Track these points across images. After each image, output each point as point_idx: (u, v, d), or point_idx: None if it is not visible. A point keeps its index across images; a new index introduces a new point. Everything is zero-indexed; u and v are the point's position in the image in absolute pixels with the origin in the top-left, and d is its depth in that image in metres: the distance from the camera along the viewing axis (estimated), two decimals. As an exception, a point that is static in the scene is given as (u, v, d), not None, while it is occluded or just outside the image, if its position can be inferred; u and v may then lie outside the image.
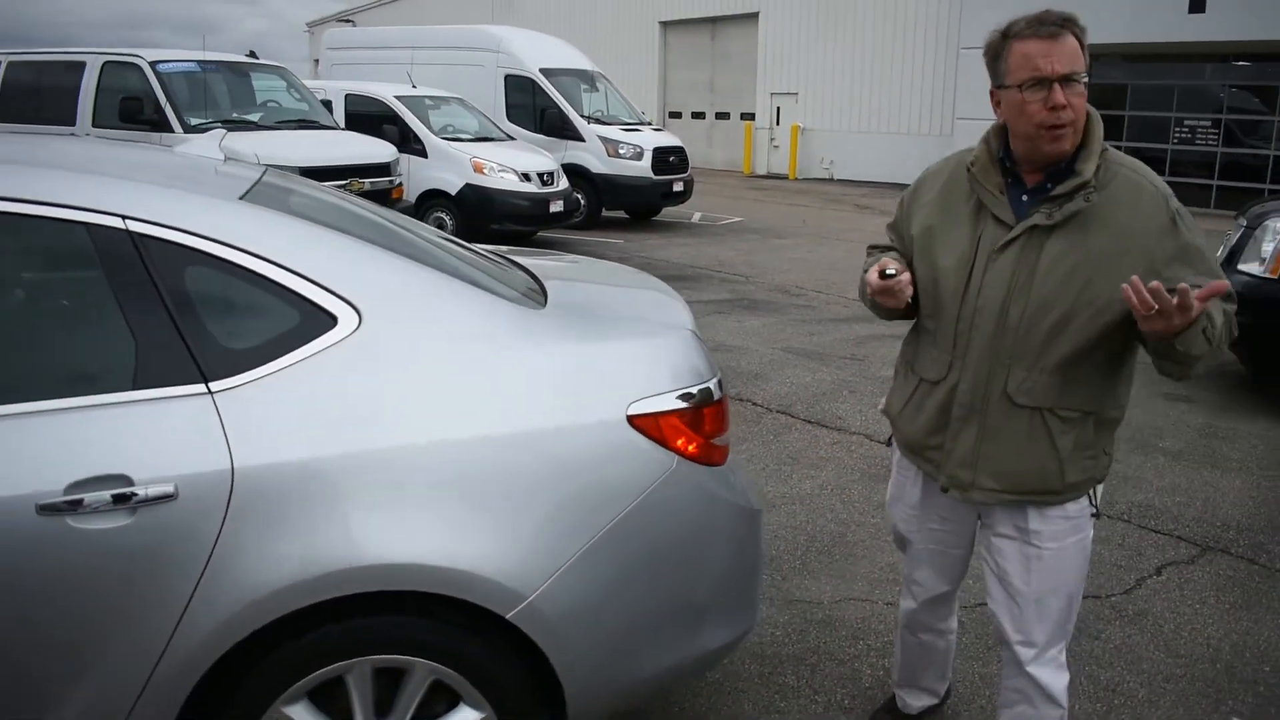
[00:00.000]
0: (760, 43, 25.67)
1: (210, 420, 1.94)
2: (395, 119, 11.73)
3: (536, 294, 2.48)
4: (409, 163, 11.40)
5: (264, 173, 2.59)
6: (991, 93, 2.10)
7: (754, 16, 25.62)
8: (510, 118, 14.39)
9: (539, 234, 12.80)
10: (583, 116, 14.21)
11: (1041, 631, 2.34)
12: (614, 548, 2.13)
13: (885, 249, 2.40)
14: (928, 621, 2.69)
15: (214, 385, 1.97)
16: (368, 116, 11.76)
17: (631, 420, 2.14)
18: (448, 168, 11.49)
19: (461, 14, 26.77)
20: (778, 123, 25.64)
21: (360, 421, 2.00)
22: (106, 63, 9.15)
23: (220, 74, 9.67)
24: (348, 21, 32.25)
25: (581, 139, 14.01)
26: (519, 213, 11.54)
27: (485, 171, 11.44)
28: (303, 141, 9.15)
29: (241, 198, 2.19)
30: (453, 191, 11.42)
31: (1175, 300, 1.81)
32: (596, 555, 2.11)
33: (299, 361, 2.01)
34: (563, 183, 12.42)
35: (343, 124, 11.47)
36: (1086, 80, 2.00)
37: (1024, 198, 2.13)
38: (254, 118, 9.47)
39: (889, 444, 2.58)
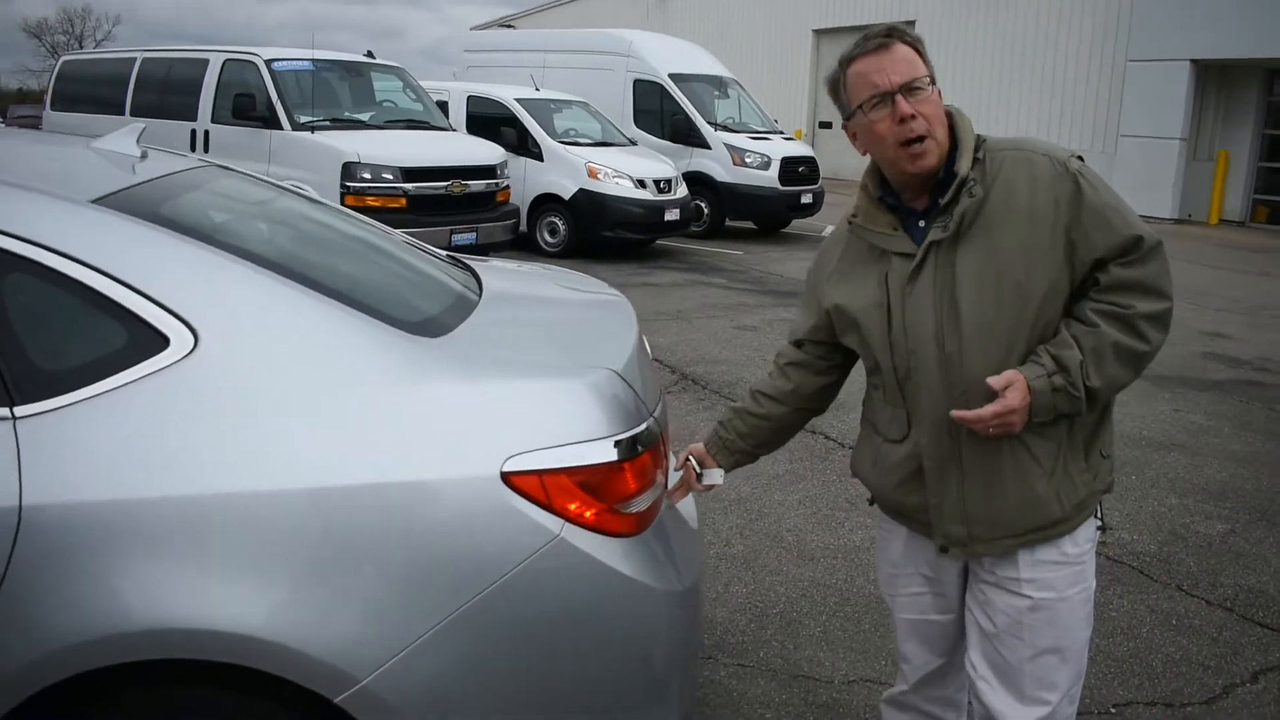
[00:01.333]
0: (915, 52, 24.67)
1: (5, 448, 1.69)
2: (514, 121, 11.67)
3: (450, 318, 2.15)
4: (525, 166, 11.32)
5: (173, 172, 2.36)
6: (845, 128, 1.94)
7: (910, 26, 24.66)
8: (637, 123, 14.16)
9: (656, 242, 12.51)
10: (711, 123, 13.84)
11: (1035, 709, 1.95)
12: (478, 628, 1.78)
13: (801, 341, 2.15)
14: (917, 704, 2.25)
15: (19, 410, 1.73)
16: (488, 119, 11.75)
17: (507, 478, 1.79)
18: (562, 172, 11.34)
19: (618, 19, 26.83)
20: (930, 136, 24.56)
21: (177, 462, 1.72)
22: (227, 60, 9.38)
23: (336, 73, 9.79)
24: (509, 26, 32.85)
25: (707, 146, 13.65)
26: (631, 219, 11.29)
27: (599, 177, 11.23)
28: (407, 142, 9.15)
29: (97, 200, 1.94)
30: (566, 196, 11.27)
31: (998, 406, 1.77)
32: (455, 635, 1.76)
33: (120, 387, 1.75)
34: (681, 190, 12.09)
35: (464, 126, 11.49)
36: (931, 83, 1.83)
37: (920, 224, 1.91)
38: (364, 117, 9.54)
39: (871, 504, 2.21)
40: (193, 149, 9.47)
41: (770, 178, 13.43)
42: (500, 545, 1.79)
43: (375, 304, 2.01)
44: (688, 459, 2.20)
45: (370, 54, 10.54)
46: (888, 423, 2.03)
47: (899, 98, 1.81)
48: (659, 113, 14.12)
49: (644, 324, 7.49)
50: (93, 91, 10.67)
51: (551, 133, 11.77)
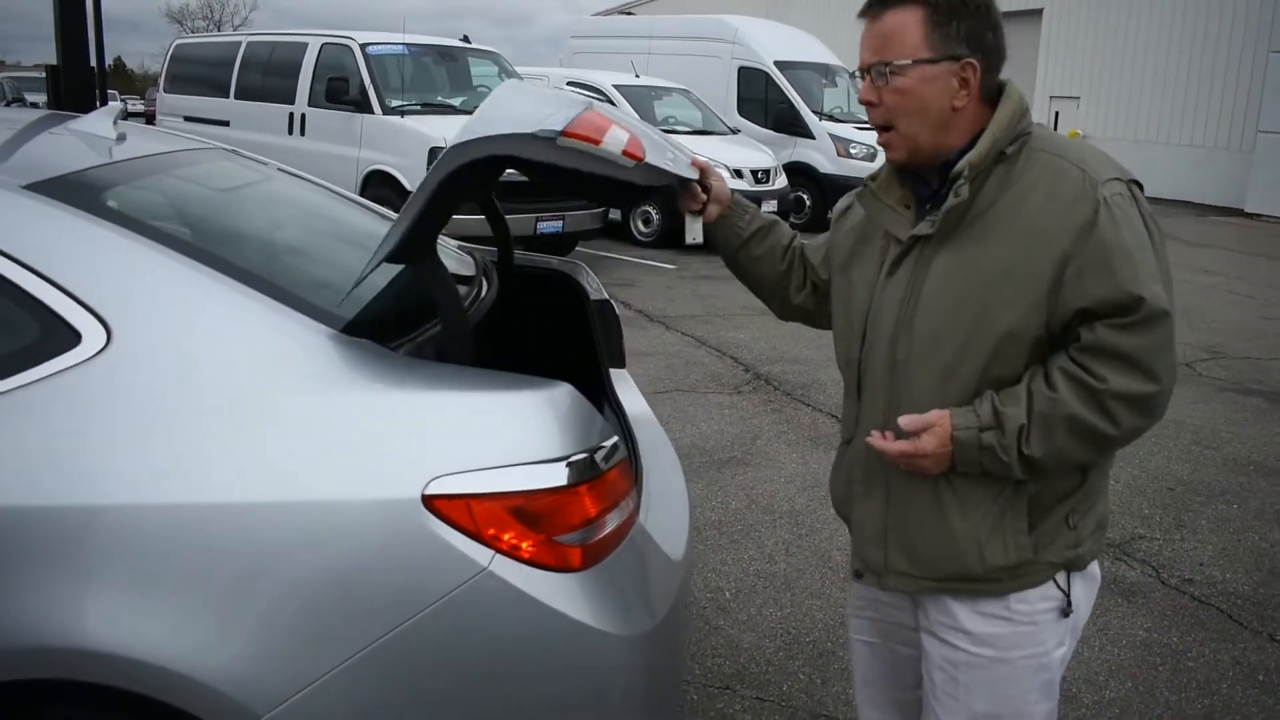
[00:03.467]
0: (1042, 42, 23.58)
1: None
2: (610, 109, 11.49)
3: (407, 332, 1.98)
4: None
5: (146, 155, 2.26)
6: None
7: (1037, 14, 23.56)
8: (741, 111, 13.86)
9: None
10: (816, 113, 13.43)
11: None
12: (394, 666, 1.61)
13: (802, 248, 1.97)
14: None
15: (-83, 404, 1.62)
16: (585, 105, 11.60)
17: (429, 502, 1.60)
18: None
19: (737, 7, 26.48)
20: (1055, 128, 23.50)
21: (71, 468, 1.59)
22: (325, 44, 9.47)
23: (431, 58, 9.79)
24: (628, 13, 32.74)
25: (811, 136, 13.26)
26: (725, 210, 10.99)
27: (694, 166, 10.98)
28: (496, 127, 9.05)
29: (33, 184, 1.83)
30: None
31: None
32: (367, 672, 1.59)
33: (21, 387, 1.63)
34: (780, 181, 11.76)
35: (559, 112, 11.36)
36: (914, 65, 1.56)
37: (927, 207, 1.66)
38: (455, 102, 9.50)
39: None
40: (290, 133, 9.61)
41: (875, 170, 12.94)
42: (420, 576, 1.61)
43: (321, 303, 1.85)
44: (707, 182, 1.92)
45: (466, 39, 10.52)
46: (845, 420, 1.83)
47: (864, 79, 1.61)
48: (763, 101, 13.78)
49: (727, 318, 7.23)
50: (202, 74, 10.95)
51: (650, 121, 11.57)
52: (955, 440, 1.55)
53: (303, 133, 9.60)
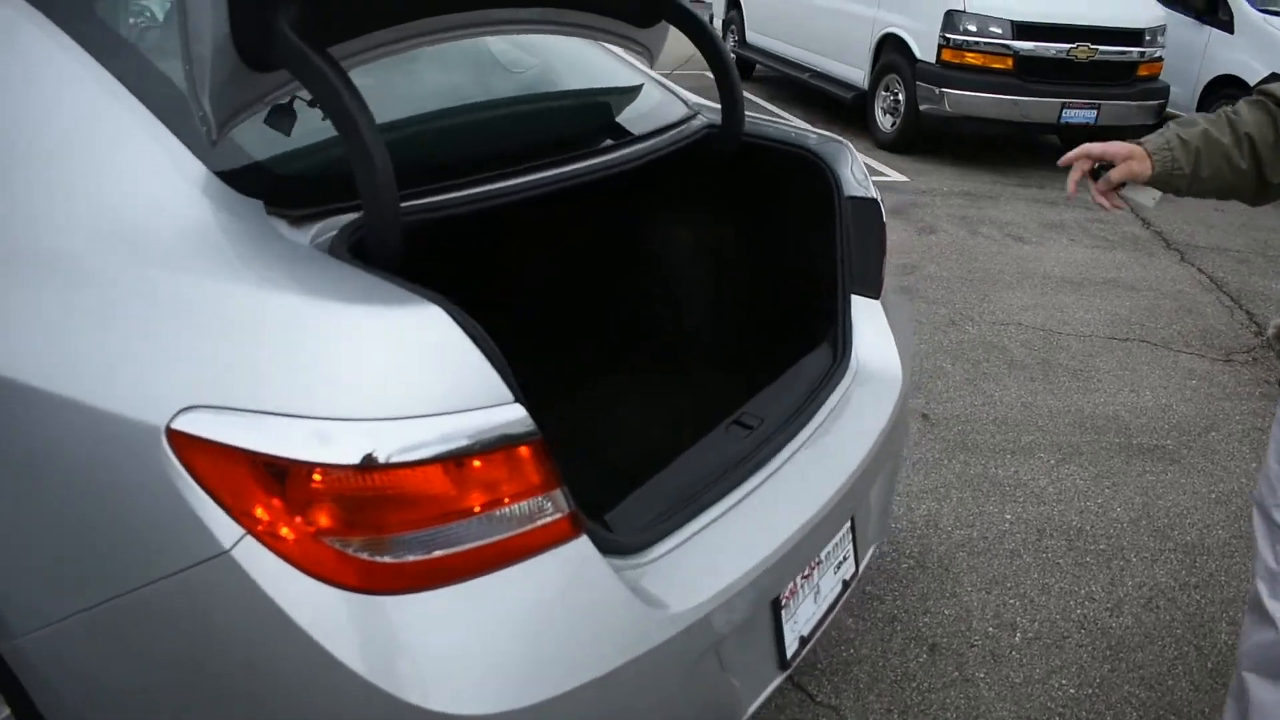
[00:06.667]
0: None
1: None
2: (1209, -22, 9.19)
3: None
4: (1207, 37, 8.94)
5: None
6: None
7: None
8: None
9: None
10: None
11: None
12: (122, 638, 1.20)
13: None
14: None
15: None
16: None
17: (173, 438, 1.12)
18: (1257, 50, 8.73)
19: None
20: None
21: None
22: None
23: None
24: None
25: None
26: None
27: (1313, 59, 8.44)
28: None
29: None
30: (1251, 81, 8.68)
31: None
32: (101, 632, 1.21)
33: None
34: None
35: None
36: None
37: None
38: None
39: None
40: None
41: None
42: (153, 535, 1.16)
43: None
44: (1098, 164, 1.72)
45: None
46: None
47: None
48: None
49: (1271, 258, 5.05)
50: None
51: (1255, -2, 9.07)
52: None
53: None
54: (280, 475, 1.09)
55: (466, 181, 1.63)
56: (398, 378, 1.11)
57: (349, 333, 1.12)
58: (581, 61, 2.31)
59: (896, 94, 7.93)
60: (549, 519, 1.20)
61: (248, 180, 1.33)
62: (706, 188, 2.41)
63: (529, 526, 1.18)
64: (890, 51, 8.07)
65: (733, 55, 10.58)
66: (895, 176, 7.24)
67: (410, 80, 2.02)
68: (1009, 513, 3.13)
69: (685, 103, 2.28)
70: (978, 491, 3.21)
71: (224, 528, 1.11)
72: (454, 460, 1.12)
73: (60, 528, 1.20)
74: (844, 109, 8.63)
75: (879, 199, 2.14)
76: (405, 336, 1.13)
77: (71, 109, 1.32)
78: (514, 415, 1.15)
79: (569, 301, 2.58)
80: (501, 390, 1.15)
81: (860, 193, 2.11)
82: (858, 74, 8.45)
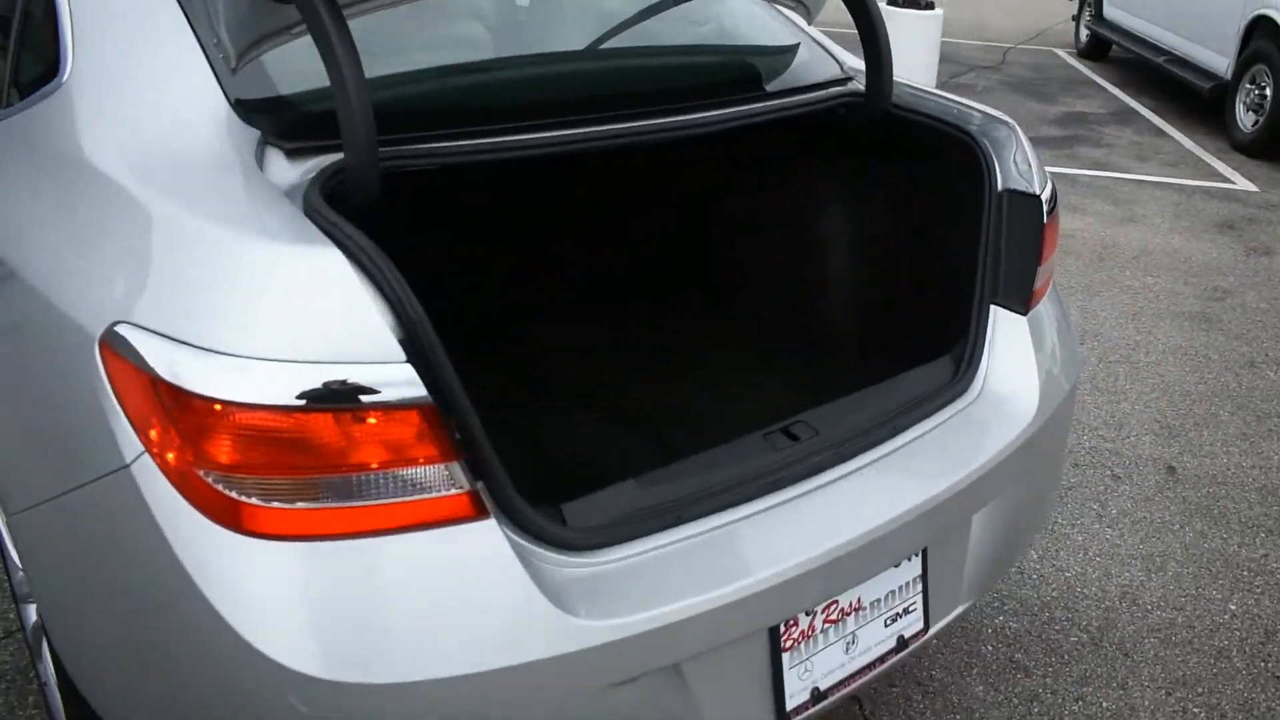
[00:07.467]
0: None
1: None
2: None
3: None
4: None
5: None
6: None
7: None
8: None
9: None
10: None
11: None
12: (66, 530, 1.29)
13: None
14: None
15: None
16: None
17: (104, 348, 1.17)
18: None
19: None
20: None
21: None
22: None
23: None
24: None
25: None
26: None
27: None
28: None
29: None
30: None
31: None
32: (55, 523, 1.31)
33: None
34: None
35: None
36: None
37: None
38: None
39: None
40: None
41: None
42: (76, 441, 1.22)
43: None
44: None
45: None
46: None
47: None
48: None
49: None
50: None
51: None
52: None
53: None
54: (173, 401, 1.10)
55: (536, 125, 1.57)
56: (289, 320, 1.07)
57: (255, 270, 1.10)
58: (725, 12, 2.16)
59: (1264, 88, 6.81)
60: (439, 494, 1.13)
61: (256, 111, 1.36)
62: (841, 160, 2.18)
63: (412, 498, 1.12)
64: (1261, 37, 6.93)
65: (1087, 32, 9.58)
66: (1241, 184, 6.25)
67: (528, 18, 1.99)
68: (1234, 603, 2.57)
69: (841, 66, 2.07)
70: (1203, 570, 2.68)
71: (129, 443, 1.14)
72: (331, 412, 1.07)
73: (18, 421, 1.34)
74: (1200, 101, 7.59)
75: (1044, 195, 1.83)
76: (299, 278, 1.09)
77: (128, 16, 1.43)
78: (401, 375, 1.09)
79: (650, 260, 2.45)
80: (392, 347, 1.09)
81: (1022, 186, 1.82)
82: (1221, 61, 7.35)
